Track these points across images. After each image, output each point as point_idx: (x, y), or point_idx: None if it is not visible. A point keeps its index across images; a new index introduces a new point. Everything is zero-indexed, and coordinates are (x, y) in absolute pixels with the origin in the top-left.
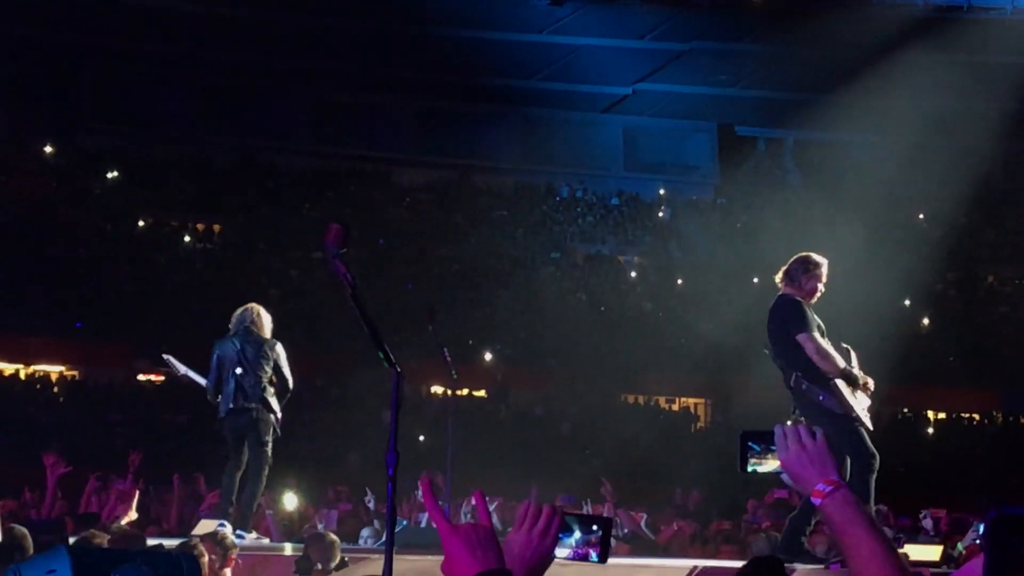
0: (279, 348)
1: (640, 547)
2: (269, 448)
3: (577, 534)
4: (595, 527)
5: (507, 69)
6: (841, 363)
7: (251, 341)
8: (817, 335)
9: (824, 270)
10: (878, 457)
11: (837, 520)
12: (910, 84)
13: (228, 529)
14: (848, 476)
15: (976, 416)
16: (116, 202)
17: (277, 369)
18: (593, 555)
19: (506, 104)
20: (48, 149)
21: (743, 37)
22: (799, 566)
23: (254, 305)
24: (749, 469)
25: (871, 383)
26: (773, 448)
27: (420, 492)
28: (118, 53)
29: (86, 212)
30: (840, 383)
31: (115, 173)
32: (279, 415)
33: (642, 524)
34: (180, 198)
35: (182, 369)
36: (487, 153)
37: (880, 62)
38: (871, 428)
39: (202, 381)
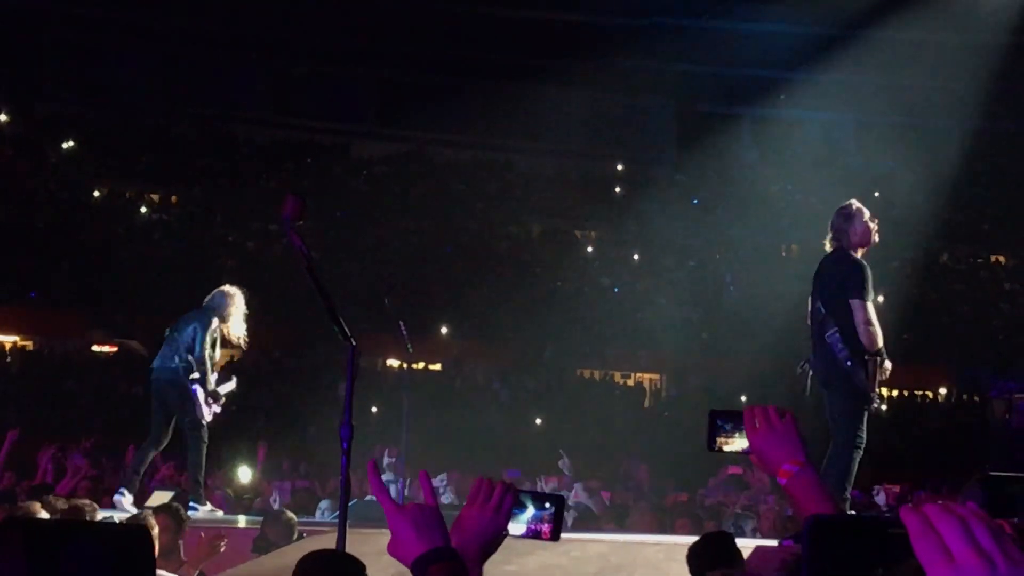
0: (214, 319)
1: (591, 519)
2: (196, 417)
3: (531, 511)
4: (548, 504)
5: (467, 43)
6: (880, 342)
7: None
8: (871, 306)
9: (864, 209)
10: (866, 441)
11: (802, 499)
12: (872, 62)
13: (186, 501)
14: (832, 452)
15: (930, 393)
16: (73, 171)
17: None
18: (544, 532)
19: (465, 77)
20: (3, 117)
21: (703, 14)
22: (751, 541)
23: (230, 289)
24: (716, 448)
25: (889, 369)
26: (741, 428)
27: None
28: (77, 20)
29: (42, 181)
30: (872, 362)
31: (72, 142)
32: (211, 385)
33: (607, 501)
34: (137, 168)
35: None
36: (446, 127)
37: (841, 40)
38: (878, 412)
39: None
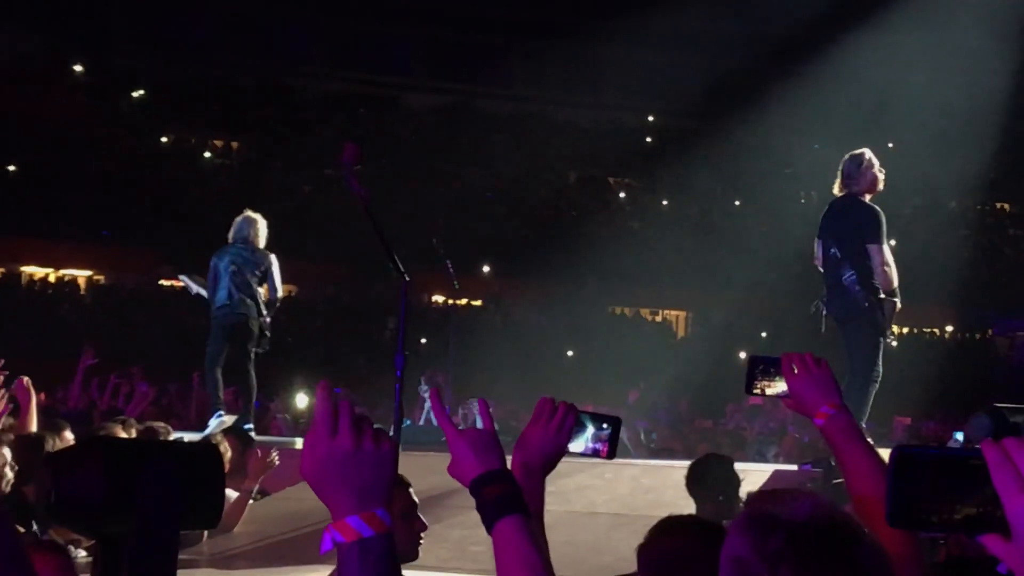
0: (272, 258)
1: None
2: (253, 349)
3: (590, 430)
4: (605, 425)
5: (509, 2)
6: (895, 282)
7: (246, 248)
8: (887, 249)
9: (874, 158)
10: (881, 374)
11: (838, 440)
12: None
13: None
14: (849, 384)
15: (936, 331)
16: (142, 119)
17: (269, 277)
18: (602, 450)
19: (507, 35)
20: (79, 68)
21: None
22: (773, 466)
23: (251, 215)
24: (756, 391)
25: (899, 305)
26: (780, 372)
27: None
28: None
29: (115, 128)
30: (889, 302)
31: (141, 92)
32: (267, 319)
33: (641, 435)
34: (201, 117)
35: (195, 288)
36: (489, 80)
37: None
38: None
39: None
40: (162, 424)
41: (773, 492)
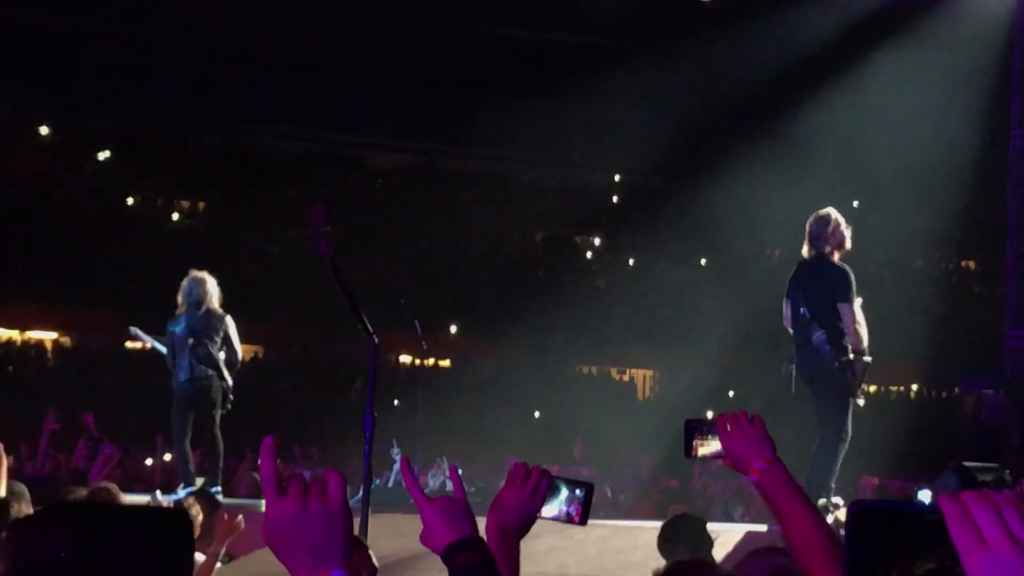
0: (228, 320)
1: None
2: (219, 414)
3: (563, 495)
4: (579, 491)
5: (475, 62)
6: (866, 341)
7: (201, 316)
8: (857, 308)
9: (840, 217)
10: (850, 437)
11: (773, 493)
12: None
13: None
14: (819, 445)
15: (902, 388)
16: (108, 180)
17: (227, 341)
18: (574, 515)
19: (474, 94)
20: (45, 129)
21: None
22: (741, 526)
23: (197, 275)
24: (693, 454)
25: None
26: (715, 432)
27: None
28: (112, 39)
29: (79, 189)
30: (860, 362)
31: (107, 152)
32: (230, 384)
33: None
34: (168, 177)
35: (149, 341)
36: (455, 140)
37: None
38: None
39: (163, 349)
40: (104, 484)
41: (756, 551)
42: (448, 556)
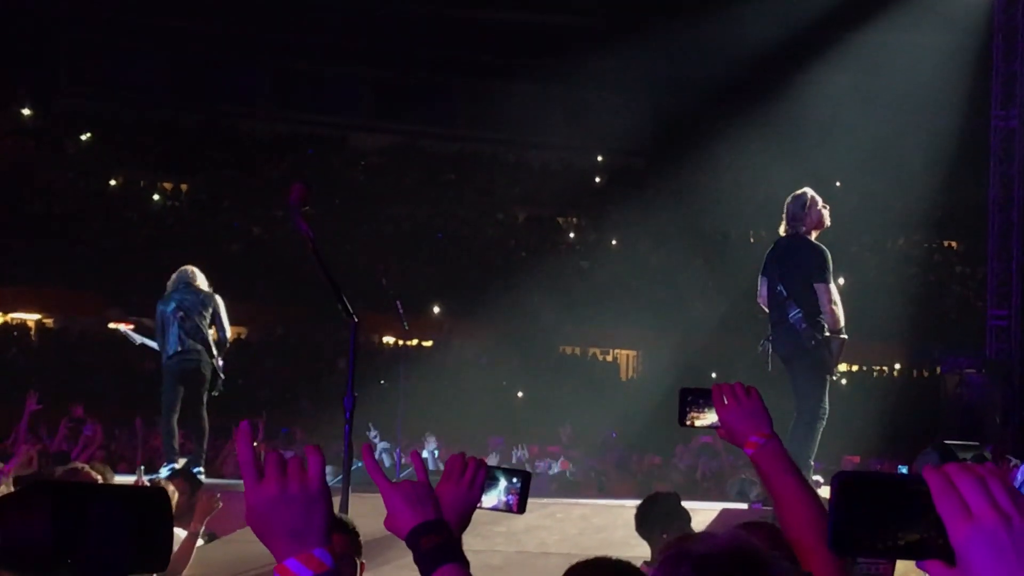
0: (218, 299)
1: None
2: (206, 393)
3: (501, 485)
4: (515, 479)
5: (456, 43)
6: (842, 320)
7: (190, 293)
8: (834, 288)
9: (816, 196)
10: (828, 412)
11: (768, 469)
12: (841, 64)
13: (190, 467)
14: (796, 422)
15: (884, 368)
16: (90, 162)
17: (216, 318)
18: (513, 504)
19: (455, 75)
20: (26, 111)
21: (675, 16)
22: (705, 504)
23: (187, 266)
24: (687, 423)
25: (846, 340)
26: (710, 403)
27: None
28: (93, 21)
29: (62, 171)
30: (836, 340)
31: (89, 135)
32: (220, 362)
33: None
34: (150, 159)
35: (138, 339)
36: (437, 121)
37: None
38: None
39: (155, 346)
40: (82, 465)
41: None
42: (412, 540)
